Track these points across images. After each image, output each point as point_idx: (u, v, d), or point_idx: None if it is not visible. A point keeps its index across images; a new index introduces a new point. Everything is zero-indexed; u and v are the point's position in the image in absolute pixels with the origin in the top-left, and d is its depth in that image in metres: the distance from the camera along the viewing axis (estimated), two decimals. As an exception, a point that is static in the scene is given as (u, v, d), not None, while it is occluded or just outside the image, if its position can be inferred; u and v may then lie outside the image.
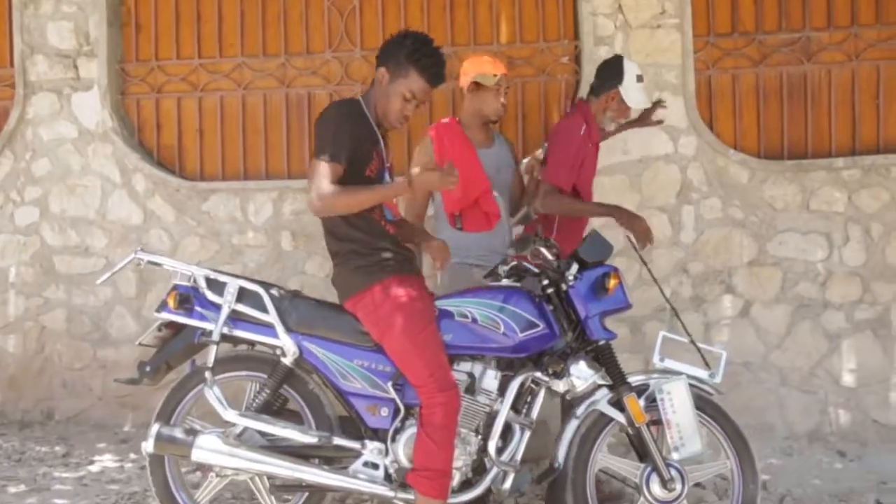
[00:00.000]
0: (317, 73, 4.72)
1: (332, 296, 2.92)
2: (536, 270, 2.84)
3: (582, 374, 2.75)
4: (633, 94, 3.48)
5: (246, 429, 2.82)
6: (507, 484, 2.73)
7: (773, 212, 4.39)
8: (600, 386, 2.79)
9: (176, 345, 2.87)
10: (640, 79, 3.50)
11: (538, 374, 2.78)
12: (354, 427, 2.84)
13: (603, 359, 2.81)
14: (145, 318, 4.54)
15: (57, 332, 4.73)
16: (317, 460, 2.83)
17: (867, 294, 4.35)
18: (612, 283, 2.78)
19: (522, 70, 4.62)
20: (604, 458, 2.83)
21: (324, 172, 2.58)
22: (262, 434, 2.82)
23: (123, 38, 4.87)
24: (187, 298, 2.82)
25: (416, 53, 2.68)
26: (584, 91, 3.95)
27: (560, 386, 2.77)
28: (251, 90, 4.77)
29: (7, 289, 4.79)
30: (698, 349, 3.06)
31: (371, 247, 2.75)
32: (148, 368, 2.86)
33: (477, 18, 4.66)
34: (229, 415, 2.73)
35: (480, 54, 3.71)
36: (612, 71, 3.49)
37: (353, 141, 2.65)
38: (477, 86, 3.45)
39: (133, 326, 4.63)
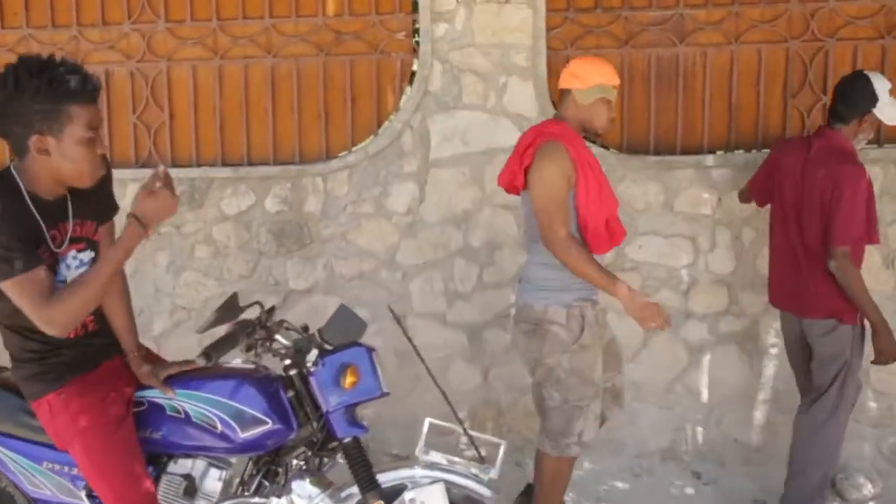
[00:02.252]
0: (114, 47, 4.05)
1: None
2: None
3: (304, 493, 2.34)
4: (890, 109, 3.11)
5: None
6: None
7: (633, 212, 3.90)
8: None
9: None
10: (891, 91, 3.13)
11: (254, 500, 2.37)
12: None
13: (349, 458, 2.37)
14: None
15: None
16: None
17: (734, 305, 3.92)
18: (348, 380, 2.32)
19: (352, 46, 3.99)
20: None
21: (27, 291, 2.05)
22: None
23: None
24: None
25: (58, 92, 2.04)
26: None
27: (281, 507, 2.36)
28: (38, 67, 4.10)
29: None
30: (471, 439, 2.65)
31: (49, 348, 2.25)
32: None
33: (300, -15, 3.98)
34: None
35: (596, 58, 3.10)
36: (862, 92, 3.10)
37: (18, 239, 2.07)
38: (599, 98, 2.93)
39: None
